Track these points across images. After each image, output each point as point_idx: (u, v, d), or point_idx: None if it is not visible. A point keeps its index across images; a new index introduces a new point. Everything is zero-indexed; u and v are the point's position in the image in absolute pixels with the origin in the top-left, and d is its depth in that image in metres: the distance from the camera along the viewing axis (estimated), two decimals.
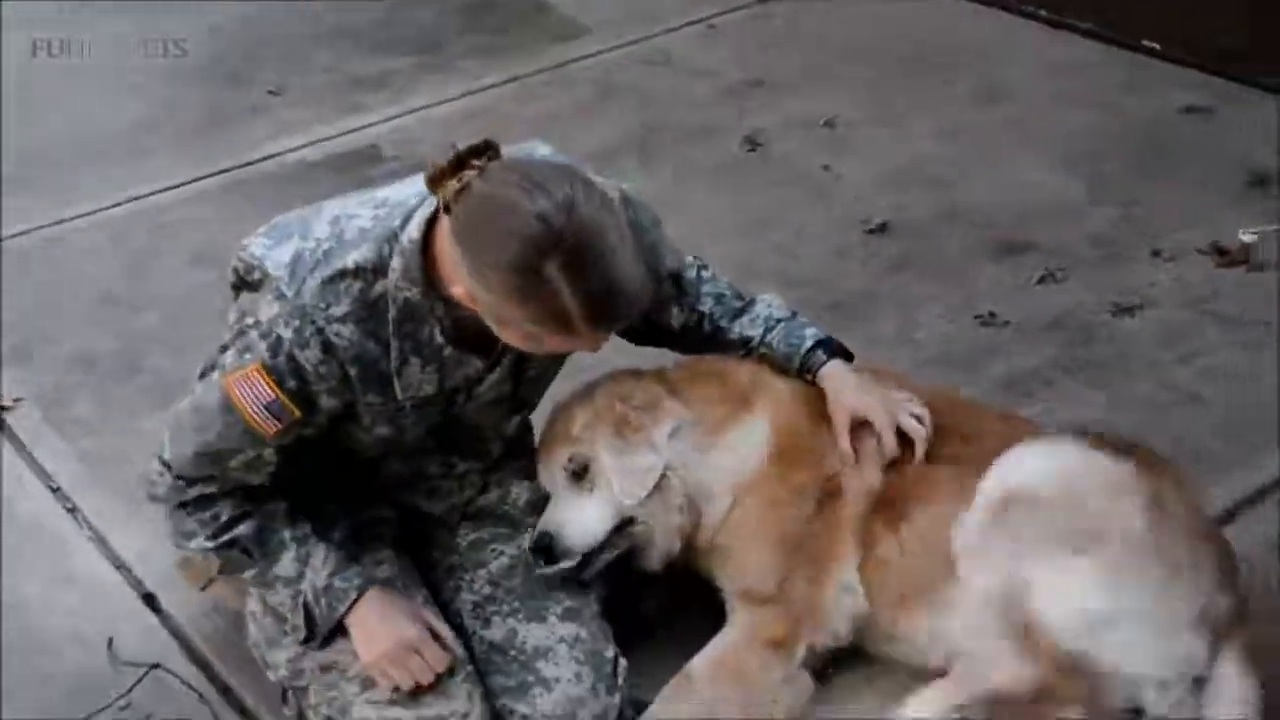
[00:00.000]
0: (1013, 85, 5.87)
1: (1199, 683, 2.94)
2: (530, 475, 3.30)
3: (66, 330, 4.63)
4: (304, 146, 5.66)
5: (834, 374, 3.26)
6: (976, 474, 3.09)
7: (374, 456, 3.13)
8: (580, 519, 3.15)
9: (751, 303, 3.37)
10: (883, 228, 4.99)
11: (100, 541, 3.76)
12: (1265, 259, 4.66)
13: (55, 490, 3.96)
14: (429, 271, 2.79)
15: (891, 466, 3.21)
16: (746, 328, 3.32)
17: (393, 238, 2.81)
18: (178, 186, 5.43)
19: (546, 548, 3.12)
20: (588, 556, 3.15)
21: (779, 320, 3.33)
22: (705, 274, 3.35)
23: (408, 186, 2.93)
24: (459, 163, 2.65)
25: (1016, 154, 5.39)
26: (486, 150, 2.67)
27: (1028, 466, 3.05)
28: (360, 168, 5.42)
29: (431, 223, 2.78)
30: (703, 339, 3.34)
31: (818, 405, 3.26)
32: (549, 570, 3.13)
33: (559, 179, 2.63)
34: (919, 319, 4.53)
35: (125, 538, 3.72)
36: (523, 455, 3.33)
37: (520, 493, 3.30)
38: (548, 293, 2.59)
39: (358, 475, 3.19)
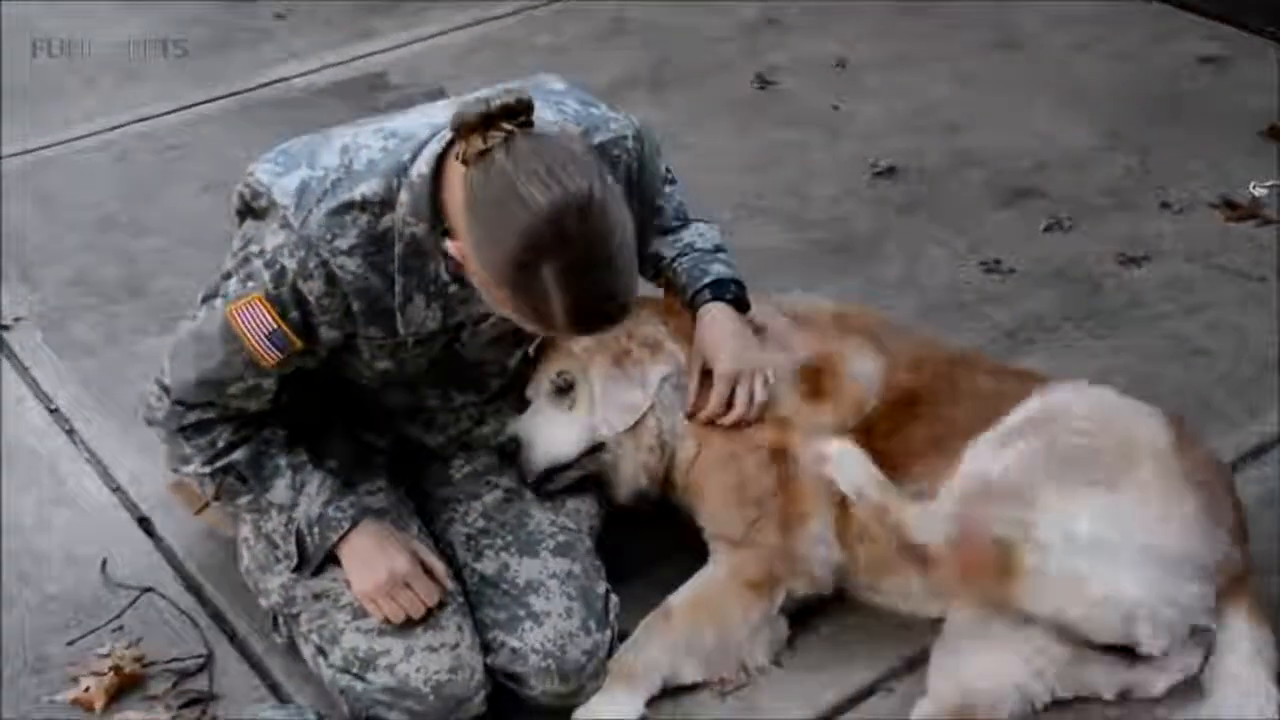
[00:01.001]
0: (1027, 32, 5.81)
1: (1196, 633, 2.94)
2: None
3: (68, 251, 4.62)
4: (311, 72, 5.63)
5: (711, 316, 3.23)
6: (963, 442, 3.06)
7: (373, 388, 3.12)
8: (551, 435, 3.17)
9: (684, 226, 3.34)
10: (891, 170, 4.96)
11: (97, 464, 3.76)
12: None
13: (54, 411, 3.95)
14: (437, 208, 2.76)
15: (886, 429, 3.18)
16: (664, 247, 3.30)
17: (402, 171, 2.78)
18: (183, 109, 5.40)
19: (512, 454, 3.15)
20: (550, 472, 3.16)
21: (697, 250, 3.30)
22: (668, 189, 3.32)
23: (420, 117, 2.90)
24: (488, 120, 2.59)
25: (1028, 101, 5.34)
26: (519, 113, 2.60)
27: (1058, 397, 3.06)
28: (367, 95, 5.39)
29: (442, 158, 2.74)
30: None
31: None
32: (526, 480, 3.17)
33: (582, 174, 2.56)
34: (924, 263, 4.51)
35: (122, 461, 3.72)
36: (521, 389, 3.31)
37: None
38: (539, 293, 2.57)
39: (356, 405, 3.18)
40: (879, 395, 3.23)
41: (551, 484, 3.18)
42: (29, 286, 4.45)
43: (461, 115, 2.61)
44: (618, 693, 3.01)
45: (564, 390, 3.18)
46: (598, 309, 2.63)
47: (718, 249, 3.33)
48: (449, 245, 2.71)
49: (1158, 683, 2.97)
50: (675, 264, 3.30)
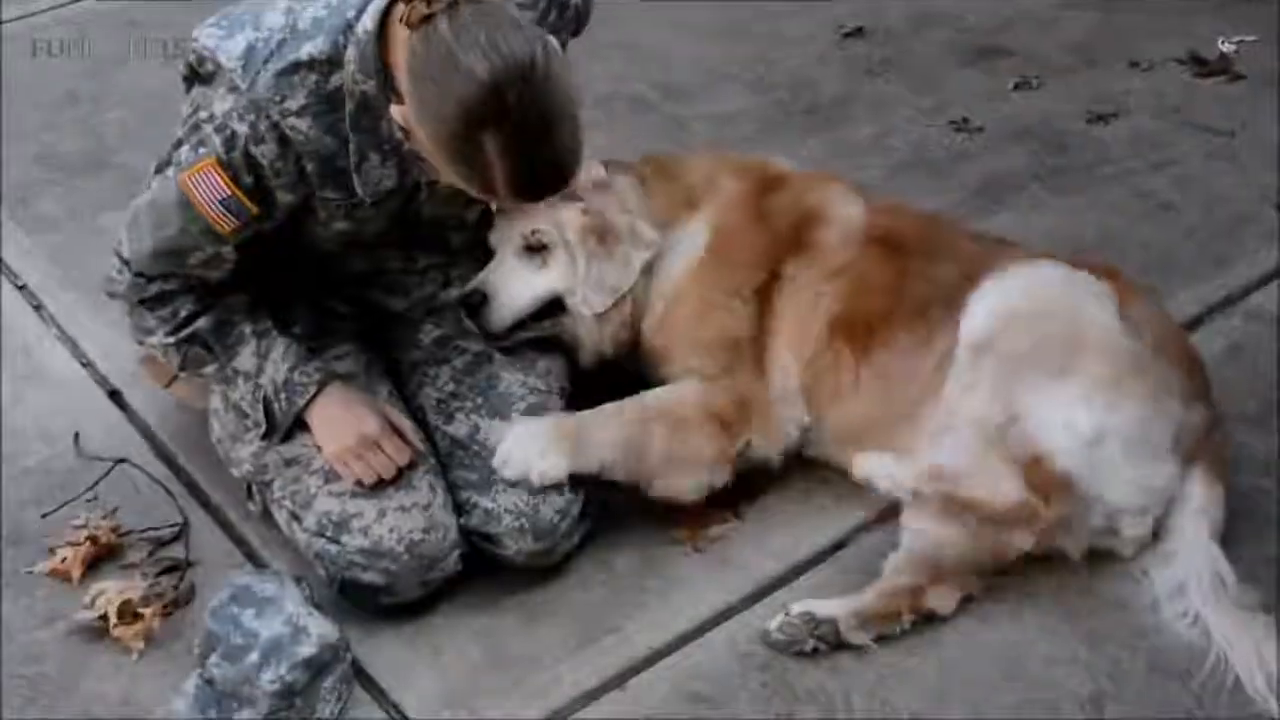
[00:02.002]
0: None
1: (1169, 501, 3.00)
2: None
3: (32, 128, 4.58)
4: None
5: None
6: (944, 311, 3.08)
7: (335, 252, 3.12)
8: (518, 292, 3.17)
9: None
10: (859, 31, 4.93)
11: (67, 339, 3.77)
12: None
13: (21, 288, 3.95)
14: (385, 65, 2.73)
15: (861, 286, 3.18)
16: None
17: (348, 29, 2.75)
18: None
19: (475, 306, 3.14)
20: (509, 329, 3.18)
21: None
22: None
23: None
24: None
25: None
26: None
27: (1002, 293, 3.05)
28: None
29: (387, 13, 2.72)
30: None
31: (766, 203, 3.25)
32: (469, 325, 3.16)
33: (525, 42, 2.55)
34: (893, 124, 4.51)
35: (92, 335, 3.73)
36: (485, 253, 3.29)
37: None
38: (480, 162, 2.57)
39: (319, 270, 3.18)
40: (862, 239, 3.23)
41: (508, 340, 3.18)
42: None
43: None
44: (556, 448, 3.02)
45: (536, 249, 3.17)
46: (540, 178, 2.64)
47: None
48: (394, 111, 2.69)
49: (1126, 549, 3.02)
50: None
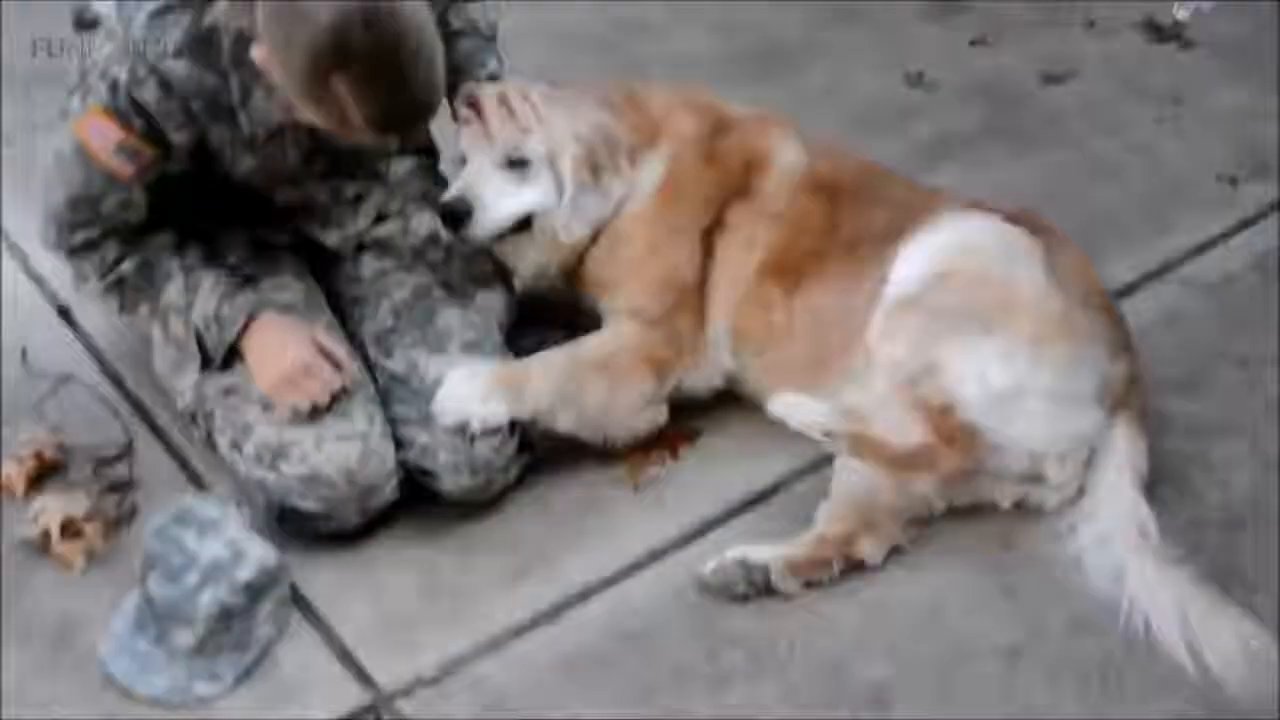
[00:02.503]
0: None
1: (1094, 450, 3.07)
2: (432, 204, 3.29)
3: None
4: None
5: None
6: (874, 252, 3.14)
7: (259, 188, 3.13)
8: (503, 205, 3.16)
9: None
10: None
11: (18, 253, 3.78)
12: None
13: None
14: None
15: (796, 229, 3.24)
16: (451, 14, 3.28)
17: None
18: None
19: (459, 216, 3.13)
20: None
21: (478, 34, 3.31)
22: None
23: None
24: None
25: None
26: None
27: (932, 247, 3.10)
28: None
29: None
30: None
31: (717, 145, 3.28)
32: (446, 235, 3.18)
33: None
34: (849, 75, 4.54)
35: (41, 251, 3.66)
36: (422, 182, 3.35)
37: (422, 222, 3.31)
38: (334, 104, 2.60)
39: (248, 203, 3.19)
40: (800, 184, 3.28)
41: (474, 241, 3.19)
42: None
43: None
44: (495, 398, 3.06)
45: (517, 164, 3.17)
46: (398, 115, 2.67)
47: (493, 39, 3.33)
48: (254, 53, 2.70)
49: (1051, 498, 3.10)
50: (457, 42, 3.27)
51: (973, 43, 4.68)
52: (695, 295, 3.23)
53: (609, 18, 4.69)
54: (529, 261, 3.30)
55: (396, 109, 2.65)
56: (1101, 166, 4.19)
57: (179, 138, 2.86)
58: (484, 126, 3.16)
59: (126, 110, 2.80)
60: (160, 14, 2.77)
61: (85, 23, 2.87)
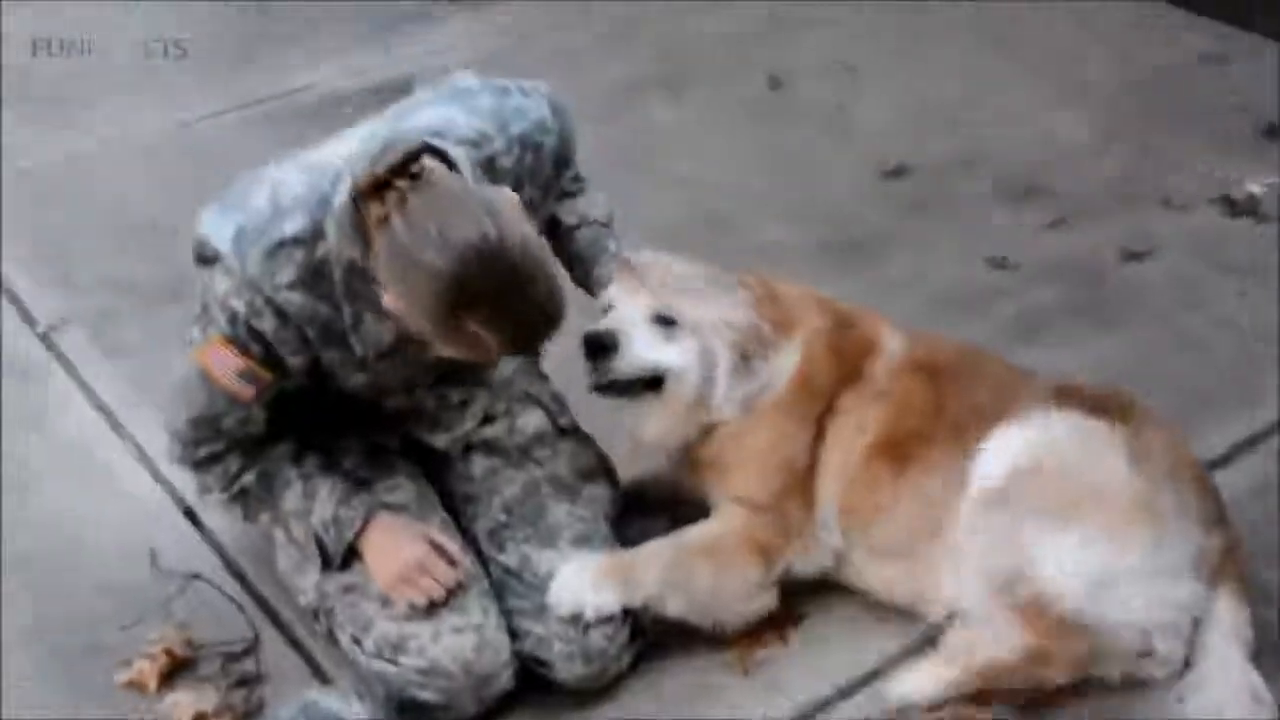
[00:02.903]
0: (1029, 29, 5.93)
1: (1198, 621, 3.11)
2: (537, 402, 3.43)
3: (106, 255, 4.75)
4: (338, 78, 5.74)
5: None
6: (977, 433, 3.21)
7: (369, 399, 3.27)
8: (647, 353, 3.23)
9: (580, 192, 3.48)
10: (900, 171, 5.08)
11: (144, 458, 3.91)
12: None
13: (100, 408, 4.11)
14: (365, 232, 2.85)
15: (901, 410, 3.31)
16: (562, 211, 3.44)
17: (325, 202, 2.91)
18: (213, 116, 5.53)
19: (605, 347, 3.20)
20: (616, 382, 3.25)
21: (593, 222, 3.45)
22: None
23: (335, 145, 3.05)
24: (379, 184, 2.74)
25: (1032, 100, 5.47)
26: (407, 166, 2.74)
27: (1016, 445, 3.17)
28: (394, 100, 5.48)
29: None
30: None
31: (843, 337, 3.38)
32: (594, 376, 3.22)
33: (472, 222, 2.69)
34: (931, 261, 4.63)
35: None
36: (524, 382, 3.46)
37: (528, 421, 3.42)
38: (470, 338, 2.75)
39: (360, 412, 3.32)
40: (905, 367, 3.37)
41: (611, 389, 3.25)
42: (71, 290, 4.59)
43: (356, 184, 2.79)
44: (606, 587, 3.15)
45: (665, 322, 3.26)
46: (531, 335, 2.83)
47: (609, 223, 3.48)
48: (385, 299, 2.83)
49: (1159, 670, 3.13)
50: (576, 234, 3.44)
51: (1051, 225, 4.77)
52: (805, 481, 3.31)
53: (697, 212, 4.83)
54: (655, 427, 3.35)
55: (528, 330, 2.80)
56: (1187, 340, 4.24)
57: (295, 362, 3.01)
58: (636, 281, 3.28)
59: (245, 339, 2.95)
60: (274, 251, 2.91)
61: (205, 258, 3.01)
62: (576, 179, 3.48)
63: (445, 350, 2.84)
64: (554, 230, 3.45)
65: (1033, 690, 3.08)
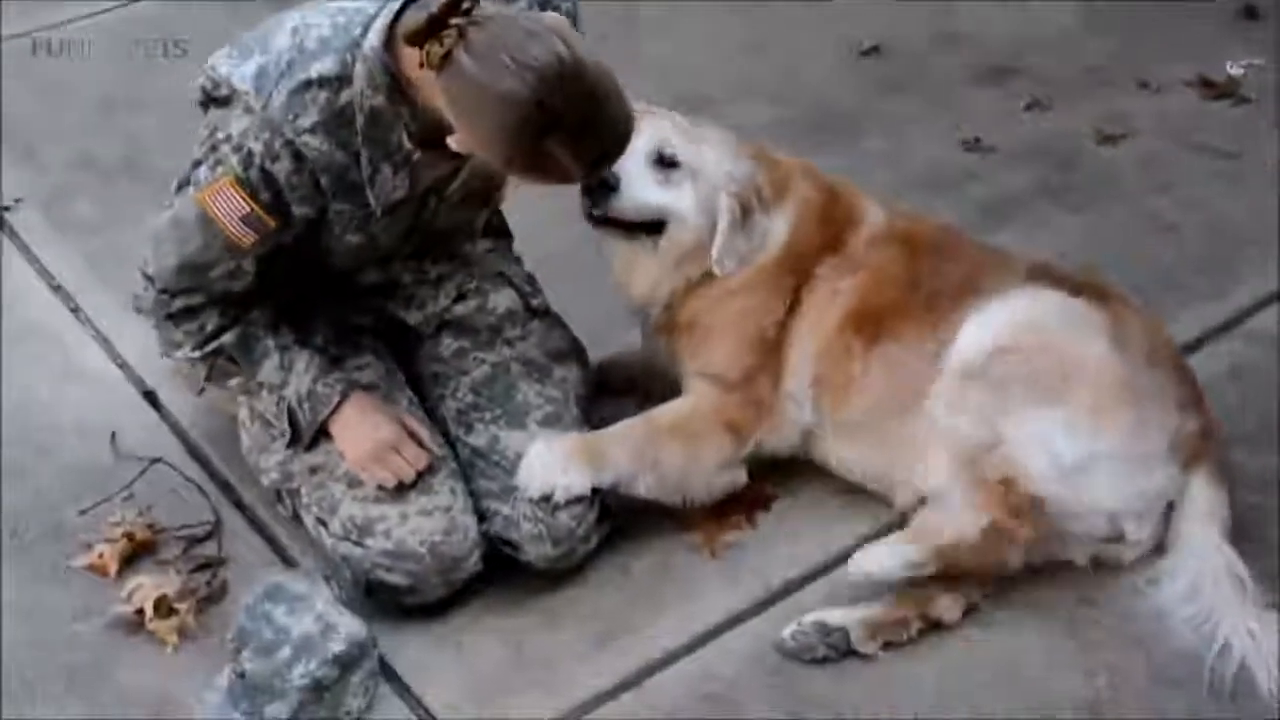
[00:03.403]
0: None
1: (1171, 505, 3.11)
2: (509, 282, 3.39)
3: (67, 132, 4.68)
4: None
5: None
6: (949, 309, 3.18)
7: (348, 267, 3.22)
8: (645, 194, 3.20)
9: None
10: (875, 50, 5.02)
11: (103, 340, 3.86)
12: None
13: (58, 289, 4.05)
14: (394, 79, 2.85)
15: (877, 280, 3.27)
16: None
17: (355, 46, 2.86)
18: None
19: (604, 187, 3.15)
20: (615, 221, 3.21)
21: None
22: None
23: None
24: (435, 23, 2.67)
25: None
26: (460, 2, 2.67)
27: (998, 321, 3.14)
28: None
29: (393, 26, 2.83)
30: None
31: (830, 208, 3.34)
32: (593, 209, 3.18)
33: (544, 47, 2.64)
34: (905, 141, 4.60)
35: (127, 336, 3.81)
36: (497, 261, 3.43)
37: (499, 301, 3.39)
38: (551, 165, 2.70)
39: (335, 284, 3.29)
40: (883, 239, 3.33)
41: (604, 227, 3.23)
42: (29, 167, 4.52)
43: (408, 27, 2.71)
44: (576, 467, 3.12)
45: (666, 163, 3.21)
46: (608, 152, 2.78)
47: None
48: (451, 141, 2.78)
49: (1128, 553, 3.13)
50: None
51: (1027, 106, 4.74)
52: (775, 355, 3.28)
53: (670, 92, 4.75)
54: (645, 277, 3.32)
55: (607, 146, 2.75)
56: (1160, 224, 4.23)
57: (301, 210, 2.94)
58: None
59: (256, 182, 2.88)
60: (298, 91, 2.85)
61: (217, 99, 2.94)
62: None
63: (522, 178, 2.80)
64: None
65: (990, 571, 3.07)
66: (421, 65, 2.71)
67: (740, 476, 3.29)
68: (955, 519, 3.04)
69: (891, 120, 4.70)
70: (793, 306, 3.30)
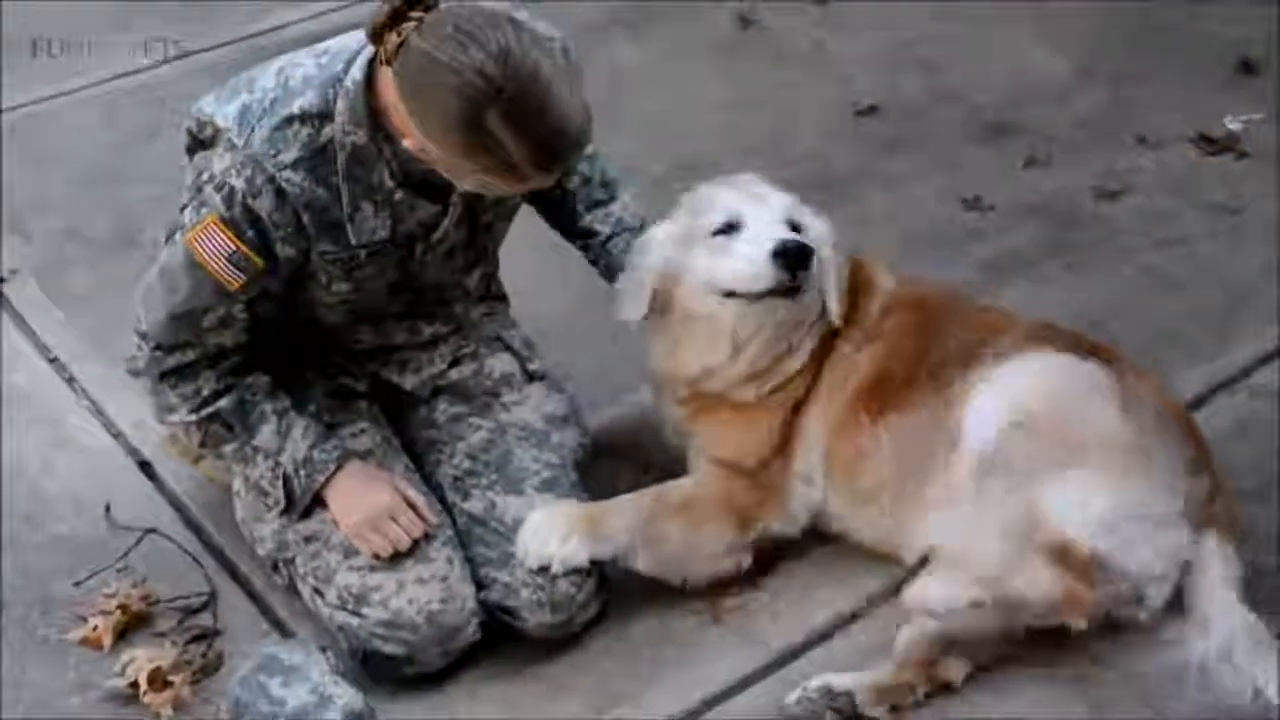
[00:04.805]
0: None
1: (1184, 566, 3.06)
2: (506, 346, 3.37)
3: (61, 204, 4.66)
4: (307, 19, 5.60)
5: None
6: (955, 377, 3.15)
7: (341, 325, 3.21)
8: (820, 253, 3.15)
9: (611, 198, 3.41)
10: (873, 109, 5.02)
11: (98, 411, 3.83)
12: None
13: (53, 361, 4.02)
14: (375, 114, 2.86)
15: (889, 350, 3.25)
16: (598, 222, 3.38)
17: (336, 82, 2.88)
18: (172, 60, 5.40)
19: (807, 256, 3.06)
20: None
21: (627, 229, 3.37)
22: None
23: (353, 34, 2.97)
24: (396, 15, 2.70)
25: (1007, 36, 5.40)
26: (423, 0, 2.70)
27: (1008, 391, 3.10)
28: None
29: (373, 64, 2.84)
30: (560, 217, 3.41)
31: (852, 282, 3.30)
32: (775, 281, 3.07)
33: (491, 26, 2.67)
34: (904, 201, 4.58)
35: (122, 406, 3.79)
36: (494, 325, 3.40)
37: (496, 365, 3.36)
38: (494, 145, 2.67)
39: (329, 346, 3.27)
40: (894, 303, 3.31)
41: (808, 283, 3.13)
42: (23, 239, 4.50)
43: (372, 21, 2.73)
44: (574, 536, 3.07)
45: (795, 230, 3.15)
46: (556, 140, 2.73)
47: (643, 224, 3.38)
48: (405, 144, 2.79)
49: (1143, 615, 3.07)
50: (610, 244, 3.37)
51: (1026, 164, 4.72)
52: (789, 434, 3.25)
53: (664, 155, 4.77)
54: (759, 343, 3.21)
55: (553, 134, 2.71)
56: (1162, 280, 4.20)
57: (286, 250, 2.93)
58: (752, 191, 3.22)
59: (240, 220, 2.87)
60: (280, 127, 2.86)
61: (202, 141, 2.95)
62: (605, 184, 3.41)
63: (470, 175, 2.78)
64: (588, 242, 3.40)
65: (1007, 634, 3.02)
66: (381, 62, 2.74)
67: (744, 560, 3.24)
68: (1024, 581, 2.96)
69: (890, 179, 4.68)
70: (813, 381, 3.27)
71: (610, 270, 3.36)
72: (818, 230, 3.23)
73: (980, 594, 2.95)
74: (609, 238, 3.37)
